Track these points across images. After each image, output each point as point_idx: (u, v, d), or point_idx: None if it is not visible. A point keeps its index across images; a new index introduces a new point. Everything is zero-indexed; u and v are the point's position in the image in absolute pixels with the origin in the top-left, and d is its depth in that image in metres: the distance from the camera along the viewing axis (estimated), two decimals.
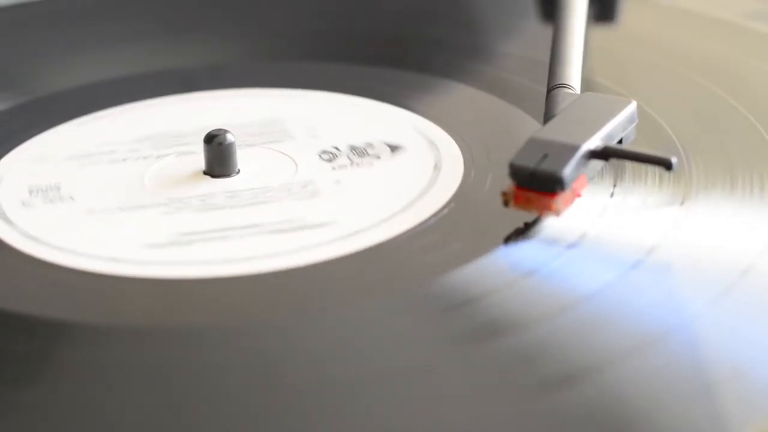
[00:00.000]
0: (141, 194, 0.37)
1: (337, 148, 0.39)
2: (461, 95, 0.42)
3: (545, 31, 0.43)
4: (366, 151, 0.38)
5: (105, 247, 0.34)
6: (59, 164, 0.38)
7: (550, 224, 0.33)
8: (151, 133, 0.40)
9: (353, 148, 0.39)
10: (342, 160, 0.38)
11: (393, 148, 0.38)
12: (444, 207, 0.35)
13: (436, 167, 0.37)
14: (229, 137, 0.37)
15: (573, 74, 0.38)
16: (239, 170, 0.37)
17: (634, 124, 0.35)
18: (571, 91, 0.37)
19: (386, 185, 0.37)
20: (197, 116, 0.41)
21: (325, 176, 0.37)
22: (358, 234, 0.34)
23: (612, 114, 0.35)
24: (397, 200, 0.35)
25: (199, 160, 0.38)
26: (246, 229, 0.34)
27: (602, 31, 0.47)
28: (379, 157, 0.38)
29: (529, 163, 0.33)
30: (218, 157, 0.37)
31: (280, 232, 0.34)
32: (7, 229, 0.35)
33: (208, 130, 0.37)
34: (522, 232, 0.33)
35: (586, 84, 0.40)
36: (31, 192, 0.37)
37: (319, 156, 0.38)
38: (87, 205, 0.36)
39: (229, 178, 0.37)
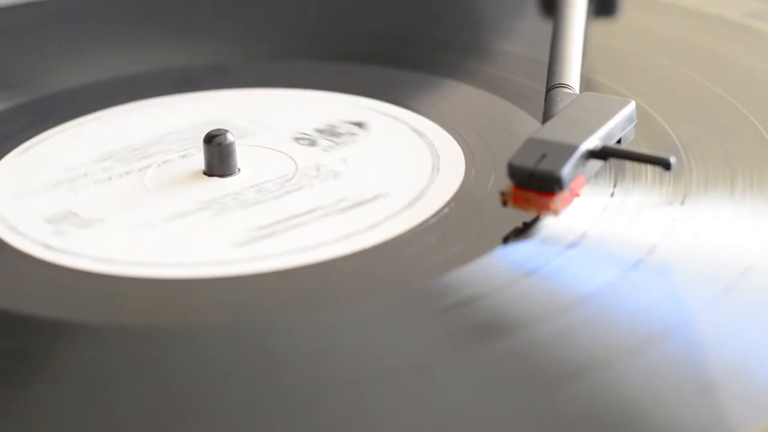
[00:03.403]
0: (168, 201, 0.36)
1: (306, 134, 0.39)
2: (461, 94, 0.42)
3: (545, 30, 0.43)
4: (337, 131, 0.39)
5: (188, 253, 0.34)
6: (55, 185, 0.38)
7: (550, 224, 0.33)
8: (123, 145, 0.40)
9: (321, 131, 0.39)
10: (323, 143, 0.39)
11: (359, 125, 0.39)
12: (444, 207, 0.35)
13: (435, 167, 0.37)
14: (229, 137, 0.37)
15: (572, 74, 0.38)
16: (239, 169, 0.38)
17: (633, 124, 0.35)
18: (569, 90, 0.37)
19: (386, 152, 0.38)
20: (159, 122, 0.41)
21: (327, 158, 0.37)
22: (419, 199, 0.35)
23: (611, 114, 0.35)
24: (398, 200, 0.35)
25: (193, 162, 0.38)
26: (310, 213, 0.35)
27: (602, 30, 0.47)
28: (353, 134, 0.39)
29: (528, 163, 0.33)
30: (219, 156, 0.37)
31: (342, 210, 0.35)
32: (67, 258, 0.34)
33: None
34: (522, 231, 0.33)
35: (586, 83, 0.40)
36: (50, 222, 0.36)
37: (297, 141, 0.39)
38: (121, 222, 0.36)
39: (232, 177, 0.37)
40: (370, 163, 0.38)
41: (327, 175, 0.37)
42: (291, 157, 0.38)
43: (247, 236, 0.34)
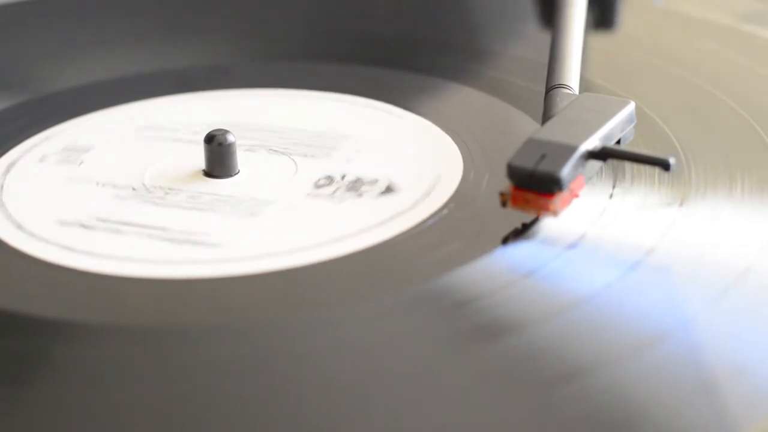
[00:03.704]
0: (152, 195, 0.36)
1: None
2: (460, 96, 0.42)
3: (544, 32, 0.43)
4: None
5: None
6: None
7: (549, 225, 0.33)
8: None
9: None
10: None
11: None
12: (444, 207, 0.35)
13: (437, 166, 0.37)
14: (230, 137, 0.37)
15: (571, 75, 0.38)
16: (239, 170, 0.38)
17: (633, 125, 0.35)
18: (569, 91, 0.37)
19: (386, 154, 0.38)
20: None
21: (334, 168, 0.38)
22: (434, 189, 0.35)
23: (610, 114, 0.35)
24: (398, 199, 0.35)
25: (195, 162, 0.38)
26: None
27: (600, 33, 0.47)
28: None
29: (527, 163, 0.33)
30: (219, 157, 0.37)
31: (379, 195, 0.35)
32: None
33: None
34: (521, 232, 0.33)
35: (585, 85, 0.40)
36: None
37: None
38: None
39: (230, 178, 0.37)
40: (371, 164, 0.38)
41: (325, 178, 0.37)
42: (296, 167, 0.38)
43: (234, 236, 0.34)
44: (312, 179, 0.37)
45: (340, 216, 0.35)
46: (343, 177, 0.37)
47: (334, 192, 0.36)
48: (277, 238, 0.34)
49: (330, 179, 0.37)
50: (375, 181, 0.37)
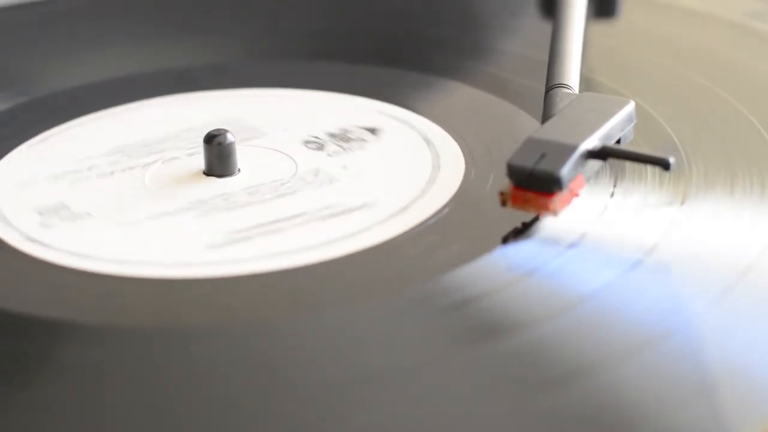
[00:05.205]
0: (160, 200, 0.36)
1: (317, 137, 0.39)
2: (461, 95, 0.42)
3: (544, 30, 0.43)
4: (348, 136, 0.39)
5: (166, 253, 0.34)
6: (50, 180, 0.38)
7: (550, 224, 0.33)
8: (133, 141, 0.40)
9: (332, 135, 0.39)
10: (331, 147, 0.38)
11: (372, 131, 0.39)
12: (444, 207, 0.35)
13: (436, 167, 0.37)
14: (230, 137, 0.37)
15: (571, 74, 0.38)
16: (239, 169, 0.38)
17: (633, 124, 0.35)
18: (569, 90, 0.37)
19: (390, 162, 0.38)
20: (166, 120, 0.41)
21: (329, 164, 0.37)
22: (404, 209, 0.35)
23: (610, 114, 0.35)
24: (397, 199, 0.35)
25: (196, 161, 0.38)
26: (293, 219, 0.35)
27: (601, 30, 0.47)
28: (364, 140, 0.39)
29: (527, 163, 0.33)
30: (218, 157, 0.37)
31: (327, 218, 0.35)
32: (41, 249, 0.34)
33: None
34: (521, 232, 0.33)
35: (585, 83, 0.40)
36: (41, 213, 0.36)
37: (305, 145, 0.39)
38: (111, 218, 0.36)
39: (230, 177, 0.37)
40: (371, 169, 0.38)
41: (323, 180, 0.37)
42: (295, 163, 0.38)
43: (225, 238, 0.34)
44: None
45: (339, 215, 0.35)
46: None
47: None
48: (276, 237, 0.34)
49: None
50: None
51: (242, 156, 0.38)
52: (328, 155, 0.38)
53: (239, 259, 0.33)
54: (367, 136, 0.39)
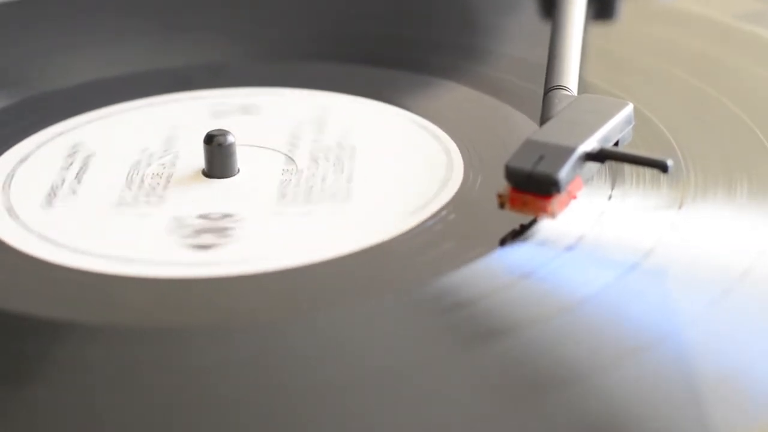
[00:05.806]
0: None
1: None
2: (460, 96, 0.42)
3: (544, 32, 0.43)
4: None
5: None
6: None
7: (548, 226, 0.33)
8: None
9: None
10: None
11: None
12: (443, 208, 0.35)
13: (436, 167, 0.37)
14: (230, 137, 0.37)
15: (570, 76, 0.38)
16: (239, 169, 0.38)
17: (631, 126, 0.35)
18: (567, 92, 0.37)
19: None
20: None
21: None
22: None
23: (609, 116, 0.35)
24: (395, 200, 0.35)
25: (197, 161, 0.38)
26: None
27: (600, 32, 0.47)
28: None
29: (525, 165, 0.33)
30: (218, 157, 0.37)
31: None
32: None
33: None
34: (519, 234, 0.33)
35: (583, 85, 0.40)
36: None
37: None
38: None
39: (230, 178, 0.37)
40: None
41: (320, 180, 0.37)
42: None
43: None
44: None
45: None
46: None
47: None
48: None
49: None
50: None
51: (242, 156, 0.38)
52: (326, 157, 0.38)
53: (239, 259, 0.33)
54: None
